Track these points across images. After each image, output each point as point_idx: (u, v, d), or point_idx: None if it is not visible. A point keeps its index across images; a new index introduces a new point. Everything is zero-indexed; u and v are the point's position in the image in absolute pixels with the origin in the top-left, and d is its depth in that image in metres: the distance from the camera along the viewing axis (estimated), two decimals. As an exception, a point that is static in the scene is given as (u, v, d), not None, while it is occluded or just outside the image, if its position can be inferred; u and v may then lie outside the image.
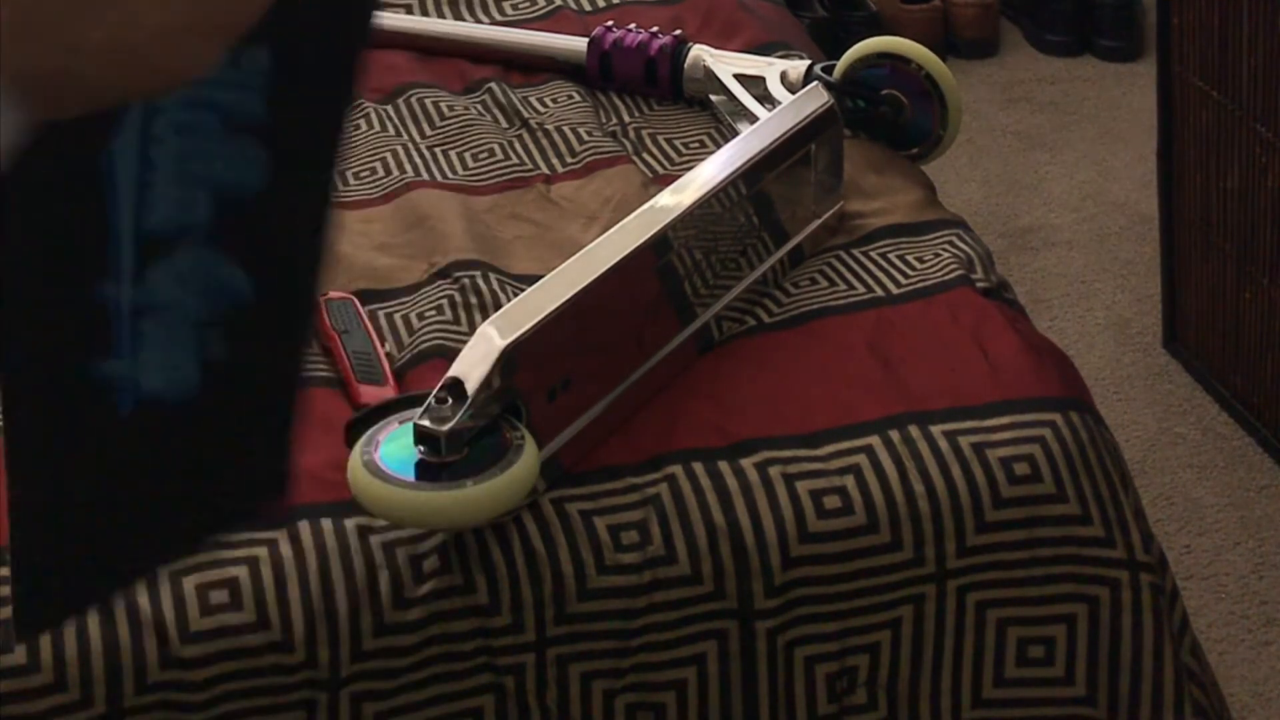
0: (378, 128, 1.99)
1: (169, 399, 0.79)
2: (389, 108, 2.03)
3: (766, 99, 1.92)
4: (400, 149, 1.94)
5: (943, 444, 1.48)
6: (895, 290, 1.67)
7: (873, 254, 1.72)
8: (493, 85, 2.05)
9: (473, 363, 1.41)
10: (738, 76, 1.97)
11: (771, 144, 1.69)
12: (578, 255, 1.54)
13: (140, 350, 0.78)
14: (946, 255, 1.71)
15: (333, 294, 1.66)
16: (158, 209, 0.75)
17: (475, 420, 1.39)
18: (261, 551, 1.39)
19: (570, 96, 2.03)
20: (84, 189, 0.75)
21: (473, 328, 1.57)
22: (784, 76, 1.94)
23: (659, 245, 1.56)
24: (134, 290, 0.76)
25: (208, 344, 0.79)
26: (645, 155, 1.92)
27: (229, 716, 1.36)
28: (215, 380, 0.80)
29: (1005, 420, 1.51)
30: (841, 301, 1.66)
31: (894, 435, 1.49)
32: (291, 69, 0.76)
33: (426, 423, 1.39)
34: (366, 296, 1.67)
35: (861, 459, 1.48)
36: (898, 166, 1.88)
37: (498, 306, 1.60)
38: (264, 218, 0.79)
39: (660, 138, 1.96)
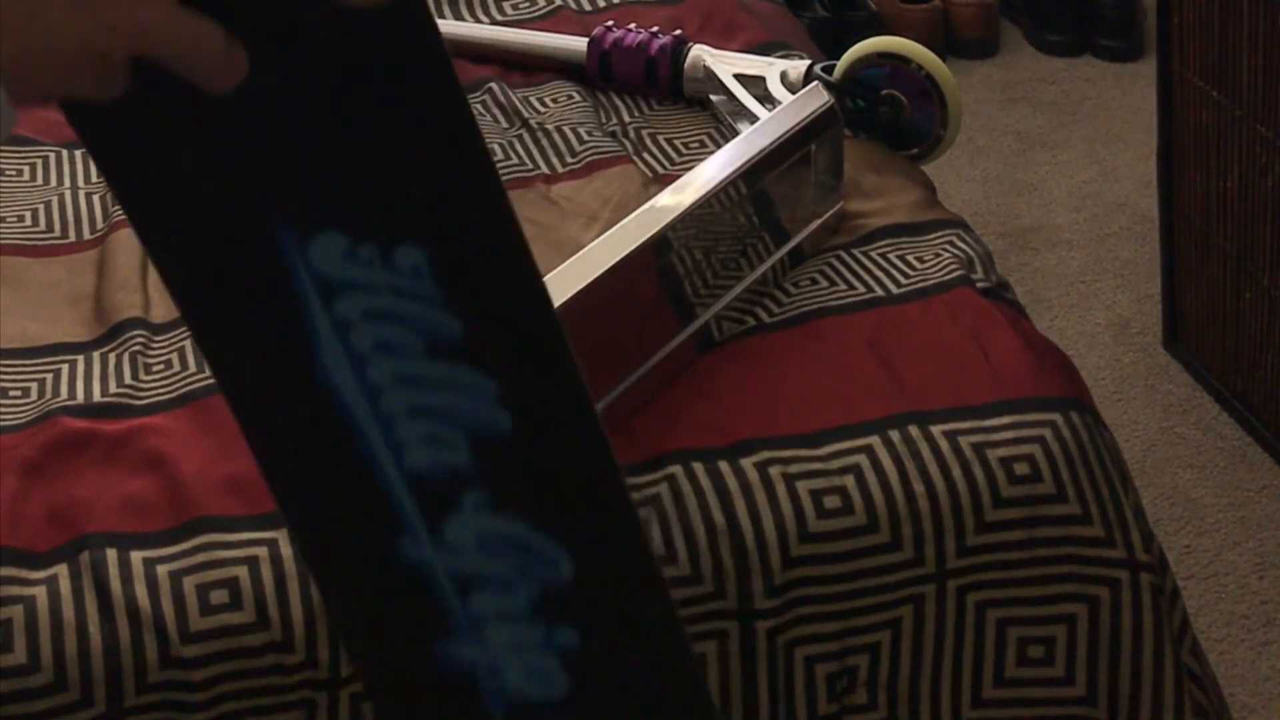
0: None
1: (540, 701, 0.71)
2: (389, 108, 2.02)
3: (766, 99, 1.92)
4: (400, 149, 1.93)
5: (943, 444, 1.48)
6: (895, 290, 1.67)
7: (873, 254, 1.72)
8: (493, 85, 2.05)
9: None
10: (738, 76, 1.97)
11: (771, 144, 1.69)
12: (577, 255, 1.54)
13: (482, 631, 0.70)
14: (946, 255, 1.71)
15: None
16: (413, 448, 0.69)
17: (475, 420, 1.39)
18: (261, 551, 1.39)
19: (570, 96, 2.03)
20: (330, 432, 0.69)
21: (473, 328, 1.56)
22: (784, 76, 1.94)
23: (659, 245, 1.56)
24: (435, 549, 0.70)
25: (555, 631, 0.71)
26: (645, 155, 1.92)
27: (229, 716, 1.36)
28: (584, 677, 0.71)
29: (1005, 420, 1.51)
30: (841, 301, 1.66)
31: (894, 435, 1.49)
32: (451, 266, 0.70)
33: (426, 423, 1.39)
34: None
35: (861, 459, 1.47)
36: (898, 166, 1.88)
37: (498, 306, 1.59)
38: (535, 464, 0.71)
39: (660, 138, 1.96)
